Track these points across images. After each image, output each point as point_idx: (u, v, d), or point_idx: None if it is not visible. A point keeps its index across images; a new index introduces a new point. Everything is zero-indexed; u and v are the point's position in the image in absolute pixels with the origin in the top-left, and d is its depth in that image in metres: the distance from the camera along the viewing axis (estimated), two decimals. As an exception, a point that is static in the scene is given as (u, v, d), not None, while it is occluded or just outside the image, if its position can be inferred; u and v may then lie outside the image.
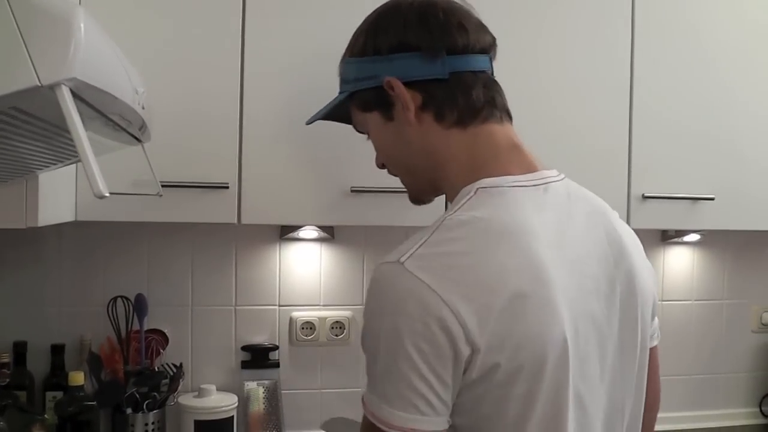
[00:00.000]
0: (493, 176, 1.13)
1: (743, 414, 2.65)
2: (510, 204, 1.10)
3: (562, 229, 1.12)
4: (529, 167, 1.16)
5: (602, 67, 2.03)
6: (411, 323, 0.98)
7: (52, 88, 0.64)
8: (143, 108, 0.98)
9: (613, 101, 2.04)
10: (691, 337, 2.59)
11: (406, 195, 1.85)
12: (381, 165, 1.32)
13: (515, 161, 1.16)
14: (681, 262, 2.58)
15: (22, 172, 1.29)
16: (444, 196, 1.26)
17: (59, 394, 2.00)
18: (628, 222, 1.99)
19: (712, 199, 2.08)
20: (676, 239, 2.53)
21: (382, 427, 1.01)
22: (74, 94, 0.67)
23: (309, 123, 1.45)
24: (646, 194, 2.04)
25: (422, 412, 1.00)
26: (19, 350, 2.05)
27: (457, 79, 1.17)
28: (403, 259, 1.02)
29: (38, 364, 2.08)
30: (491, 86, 1.20)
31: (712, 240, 2.58)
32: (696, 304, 2.60)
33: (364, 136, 1.33)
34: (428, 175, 1.23)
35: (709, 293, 2.61)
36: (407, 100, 1.17)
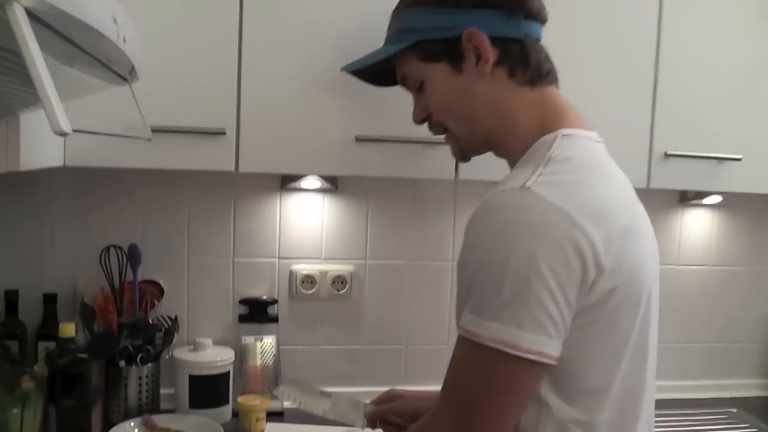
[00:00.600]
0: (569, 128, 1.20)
1: (757, 385, 2.57)
2: (595, 151, 1.20)
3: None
4: (587, 127, 1.24)
5: (628, 20, 1.91)
6: (545, 245, 1.03)
7: (3, 6, 0.55)
8: (125, 41, 0.88)
9: (638, 54, 1.92)
10: (707, 304, 2.51)
11: (413, 145, 1.80)
12: (423, 119, 1.36)
13: (577, 120, 1.24)
14: (699, 226, 2.48)
15: (1, 113, 1.20)
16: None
17: (52, 345, 1.93)
18: (648, 182, 1.92)
19: (738, 159, 1.97)
20: (695, 201, 2.43)
21: (509, 351, 1.03)
22: (32, 16, 0.58)
23: (346, 70, 1.52)
24: (668, 152, 1.94)
25: (550, 334, 1.05)
26: (11, 299, 1.98)
27: (529, 41, 1.25)
28: (528, 185, 1.07)
29: (31, 314, 2.01)
30: (548, 54, 1.29)
31: (733, 203, 2.48)
32: (713, 269, 2.51)
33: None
34: (488, 131, 1.28)
35: (727, 259, 2.52)
36: (488, 53, 1.23)
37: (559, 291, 1.04)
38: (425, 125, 1.39)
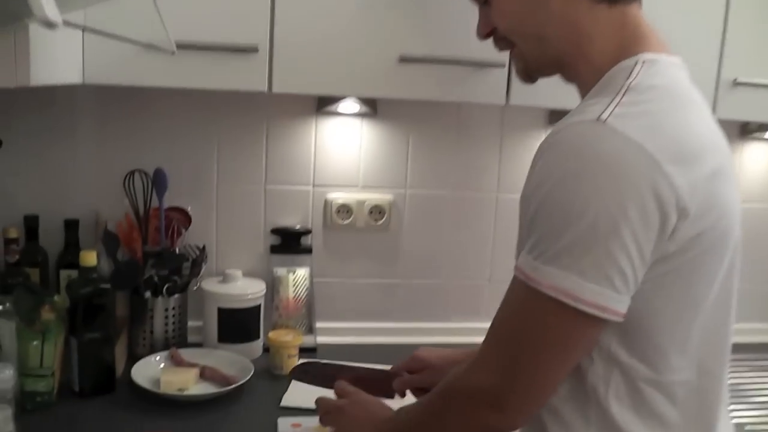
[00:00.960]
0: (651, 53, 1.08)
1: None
2: (680, 80, 1.08)
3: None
4: (670, 52, 1.11)
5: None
6: (620, 188, 0.94)
7: None
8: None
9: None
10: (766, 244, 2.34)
11: (460, 67, 1.65)
12: (487, 34, 1.23)
13: (661, 44, 1.11)
14: (762, 161, 2.31)
15: (5, 21, 1.06)
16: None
17: (74, 274, 1.83)
18: (714, 111, 1.74)
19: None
20: (757, 134, 2.25)
21: (567, 301, 0.95)
22: None
23: None
24: (738, 80, 1.76)
25: (616, 288, 0.96)
26: (30, 225, 1.88)
27: None
28: (604, 117, 0.96)
29: (52, 241, 1.92)
30: None
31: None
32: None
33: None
34: (559, 51, 1.15)
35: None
36: None
37: (632, 241, 0.94)
38: (487, 42, 1.25)
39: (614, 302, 0.97)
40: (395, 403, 1.59)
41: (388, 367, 1.59)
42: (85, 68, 1.52)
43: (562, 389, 1.08)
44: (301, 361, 1.64)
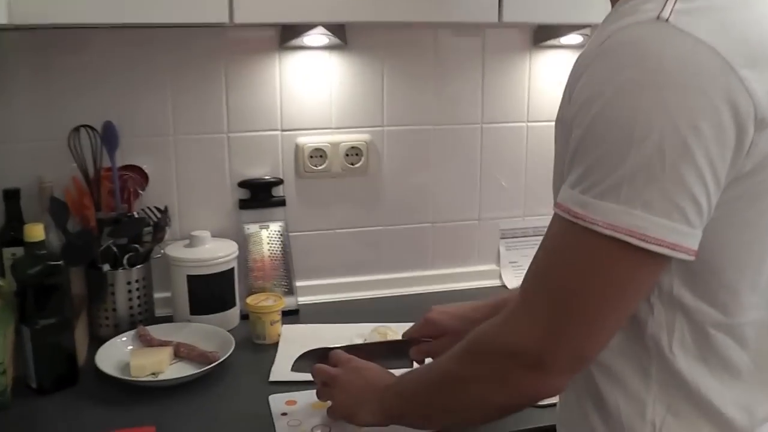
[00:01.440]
0: None
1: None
2: None
3: None
4: None
5: None
6: (688, 98, 0.81)
7: None
8: None
9: None
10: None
11: None
12: None
13: None
14: None
15: None
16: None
17: (20, 251, 1.60)
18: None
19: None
20: None
21: (631, 240, 0.83)
22: None
23: None
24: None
25: (689, 220, 0.83)
26: (-38, 197, 1.65)
27: None
28: (665, 15, 0.83)
29: (-10, 215, 1.68)
30: None
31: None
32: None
33: None
34: None
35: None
36: None
37: (706, 162, 0.82)
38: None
39: (687, 238, 0.84)
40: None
41: (388, 334, 1.43)
42: (11, 5, 1.29)
43: (614, 343, 0.94)
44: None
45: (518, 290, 1.34)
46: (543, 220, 2.04)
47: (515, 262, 2.07)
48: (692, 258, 0.85)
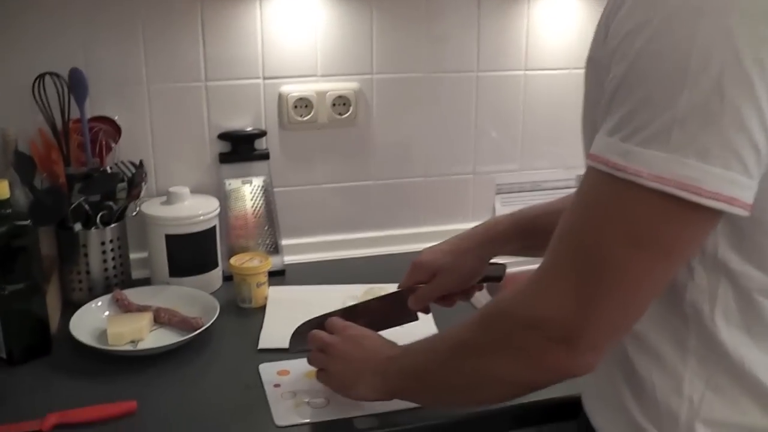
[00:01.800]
0: None
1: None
2: None
3: None
4: None
5: None
6: (755, 26, 0.70)
7: None
8: None
9: None
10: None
11: None
12: None
13: None
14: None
15: None
16: None
17: (-18, 209, 1.47)
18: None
19: None
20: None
21: (682, 194, 0.73)
22: None
23: None
24: None
25: (748, 170, 0.73)
26: None
27: None
28: None
29: (-52, 171, 1.54)
30: None
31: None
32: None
33: None
34: None
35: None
36: None
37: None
38: None
39: (745, 190, 0.74)
40: (424, 327, 1.33)
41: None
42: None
43: (648, 311, 0.84)
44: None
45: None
46: (540, 174, 1.96)
47: (511, 218, 1.96)
48: (747, 214, 0.75)
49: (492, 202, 1.96)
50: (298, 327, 1.30)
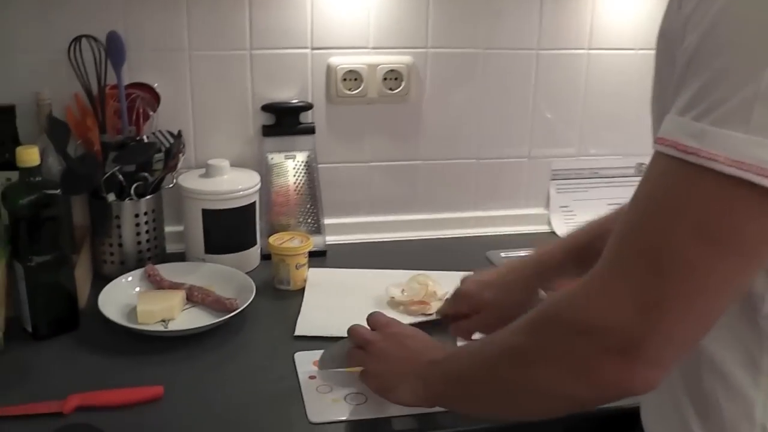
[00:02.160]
0: None
1: None
2: None
3: None
4: None
5: None
6: None
7: None
8: None
9: None
10: None
11: None
12: None
13: None
14: None
15: None
16: None
17: (13, 177, 1.40)
18: None
19: None
20: None
21: (764, 182, 0.63)
22: None
23: None
24: None
25: None
26: (-50, 115, 1.44)
27: None
28: None
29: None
30: None
31: None
32: None
33: None
34: None
35: None
36: None
37: None
38: None
39: None
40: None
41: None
42: None
43: (717, 325, 0.73)
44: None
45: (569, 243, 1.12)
46: (599, 161, 1.85)
47: (566, 207, 1.86)
48: None
49: (546, 188, 1.85)
50: (331, 346, 1.20)
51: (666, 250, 0.69)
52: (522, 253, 1.64)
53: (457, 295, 1.21)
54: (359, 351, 1.09)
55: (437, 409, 1.04)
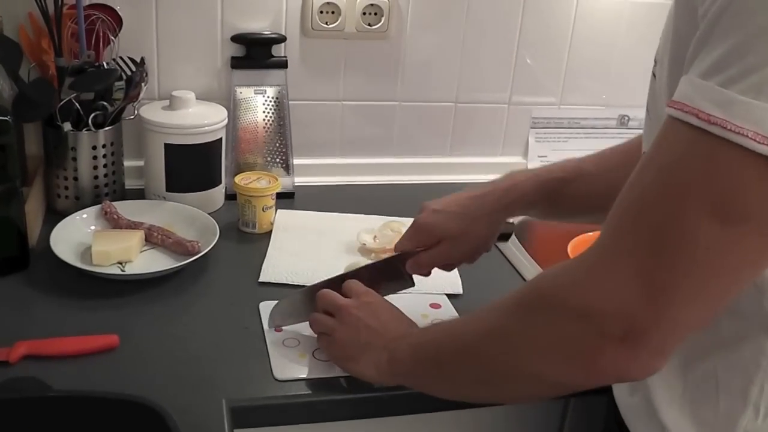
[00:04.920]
0: None
1: None
2: None
3: None
4: None
5: None
6: None
7: None
8: None
9: None
10: None
11: None
12: None
13: None
14: None
15: None
16: None
17: (-41, 99, 1.30)
18: None
19: None
20: None
21: None
22: None
23: None
24: None
25: None
26: None
27: None
28: None
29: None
30: None
31: None
32: None
33: None
34: None
35: None
36: None
37: None
38: None
39: None
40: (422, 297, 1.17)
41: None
42: None
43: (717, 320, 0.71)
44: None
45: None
46: (581, 110, 1.77)
47: (544, 156, 1.79)
48: None
49: (526, 136, 1.78)
50: (280, 302, 1.13)
51: (678, 228, 0.63)
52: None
53: (417, 227, 1.11)
54: (326, 317, 1.01)
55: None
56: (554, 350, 0.71)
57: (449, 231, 1.09)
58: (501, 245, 1.32)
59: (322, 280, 1.11)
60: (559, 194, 1.09)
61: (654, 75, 0.81)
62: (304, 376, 1.03)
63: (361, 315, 0.98)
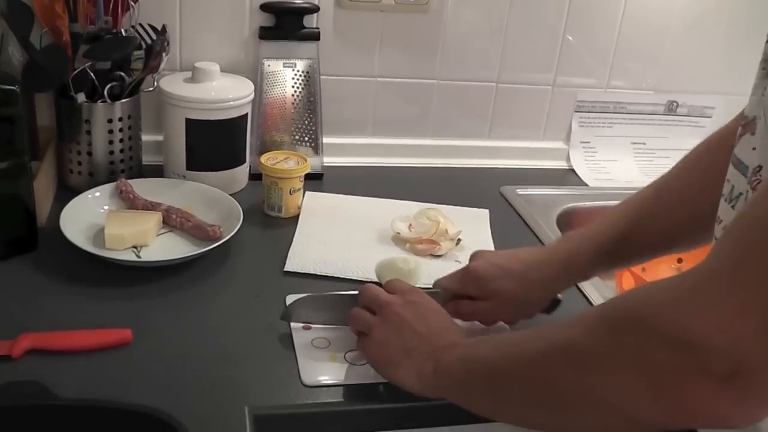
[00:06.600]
0: None
1: None
2: None
3: None
4: None
5: None
6: None
7: None
8: None
9: None
10: None
11: None
12: None
13: None
14: None
15: None
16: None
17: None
18: None
19: None
20: None
21: None
22: None
23: None
24: None
25: None
26: None
27: None
28: None
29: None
30: None
31: None
32: None
33: None
34: None
35: None
36: None
37: None
38: None
39: None
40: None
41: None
42: None
43: None
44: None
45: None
46: (627, 95, 1.66)
47: (587, 143, 1.68)
48: None
49: (569, 120, 1.67)
50: (300, 299, 1.02)
51: None
52: (538, 191, 1.51)
53: (469, 275, 1.01)
54: (368, 314, 0.91)
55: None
56: (636, 379, 0.60)
57: (503, 290, 0.99)
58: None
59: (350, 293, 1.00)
60: (624, 250, 0.99)
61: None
62: (335, 381, 0.93)
63: (406, 315, 0.87)
